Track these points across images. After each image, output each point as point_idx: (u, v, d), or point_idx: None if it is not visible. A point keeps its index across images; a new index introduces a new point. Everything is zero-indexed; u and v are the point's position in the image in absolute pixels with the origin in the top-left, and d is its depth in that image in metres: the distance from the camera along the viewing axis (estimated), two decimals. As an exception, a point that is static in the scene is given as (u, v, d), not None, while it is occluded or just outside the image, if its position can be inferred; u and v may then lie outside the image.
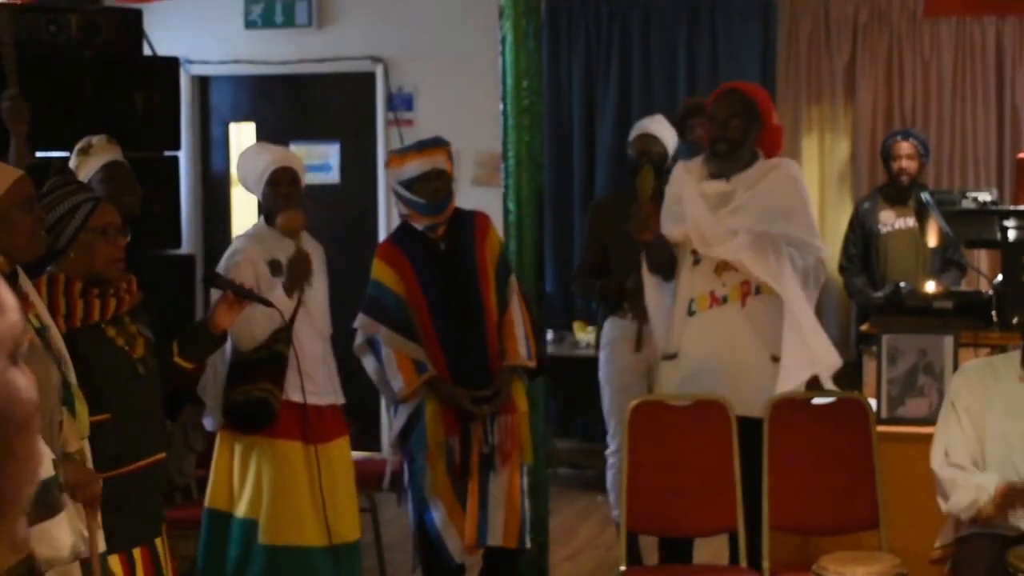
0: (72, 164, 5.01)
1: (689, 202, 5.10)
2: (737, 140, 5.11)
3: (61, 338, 3.39)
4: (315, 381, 5.04)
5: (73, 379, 3.36)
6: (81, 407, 3.36)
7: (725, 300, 5.07)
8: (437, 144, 5.31)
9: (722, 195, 5.11)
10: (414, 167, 5.17)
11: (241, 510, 5.02)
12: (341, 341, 5.47)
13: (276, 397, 4.91)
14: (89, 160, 4.99)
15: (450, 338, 5.19)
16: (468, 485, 5.15)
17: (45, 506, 2.94)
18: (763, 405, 4.94)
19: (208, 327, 4.18)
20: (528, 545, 5.27)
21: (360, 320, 5.22)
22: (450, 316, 5.20)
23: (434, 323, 5.18)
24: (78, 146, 5.04)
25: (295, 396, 4.97)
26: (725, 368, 5.04)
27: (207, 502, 5.10)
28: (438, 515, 5.16)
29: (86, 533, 3.19)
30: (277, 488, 4.95)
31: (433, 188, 5.17)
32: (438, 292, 5.20)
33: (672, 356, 5.15)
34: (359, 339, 5.25)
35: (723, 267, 5.07)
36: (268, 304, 4.54)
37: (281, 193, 5.05)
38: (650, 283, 5.24)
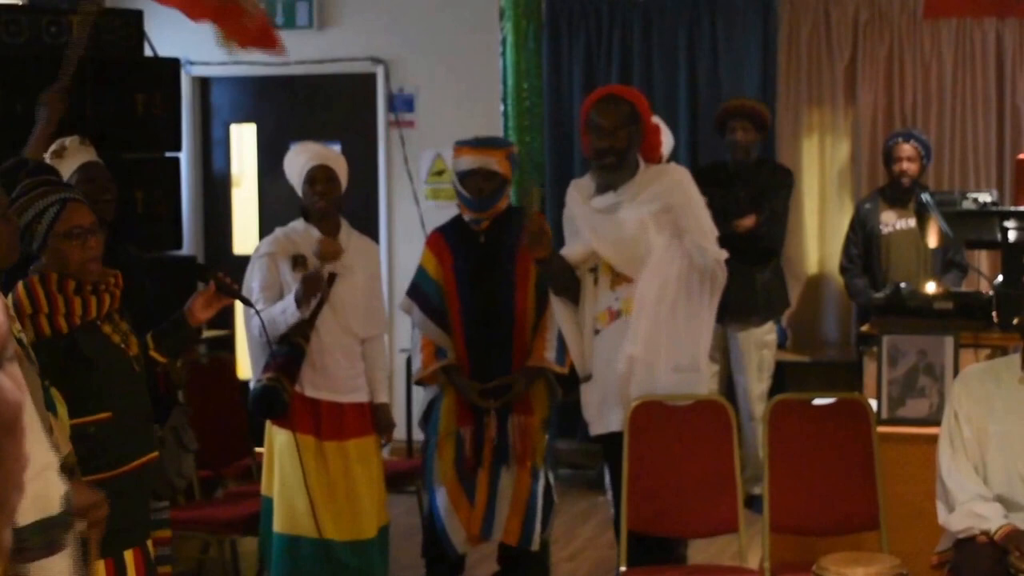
0: None
1: (583, 220, 5.07)
2: (624, 149, 5.04)
3: (24, 341, 3.36)
4: (334, 378, 5.05)
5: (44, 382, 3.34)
6: (61, 409, 3.34)
7: (620, 314, 5.02)
8: (494, 144, 5.45)
9: (610, 207, 5.05)
10: (466, 162, 5.33)
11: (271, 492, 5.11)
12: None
13: (285, 388, 4.93)
14: (64, 162, 4.94)
15: (474, 330, 5.31)
16: (478, 477, 5.24)
17: (48, 544, 2.92)
18: None
19: (186, 321, 4.09)
20: (535, 547, 5.28)
21: (403, 301, 5.49)
22: (477, 309, 5.31)
23: (461, 314, 5.32)
24: (51, 148, 4.98)
25: (311, 392, 5.00)
26: (643, 378, 4.98)
27: (263, 491, 5.17)
28: (442, 503, 5.28)
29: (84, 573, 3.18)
30: (286, 478, 5.00)
31: (479, 186, 5.30)
32: (469, 284, 5.32)
33: (587, 378, 5.10)
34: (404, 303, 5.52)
35: (617, 281, 5.03)
36: (248, 303, 4.52)
37: (316, 191, 5.10)
38: (558, 306, 5.14)
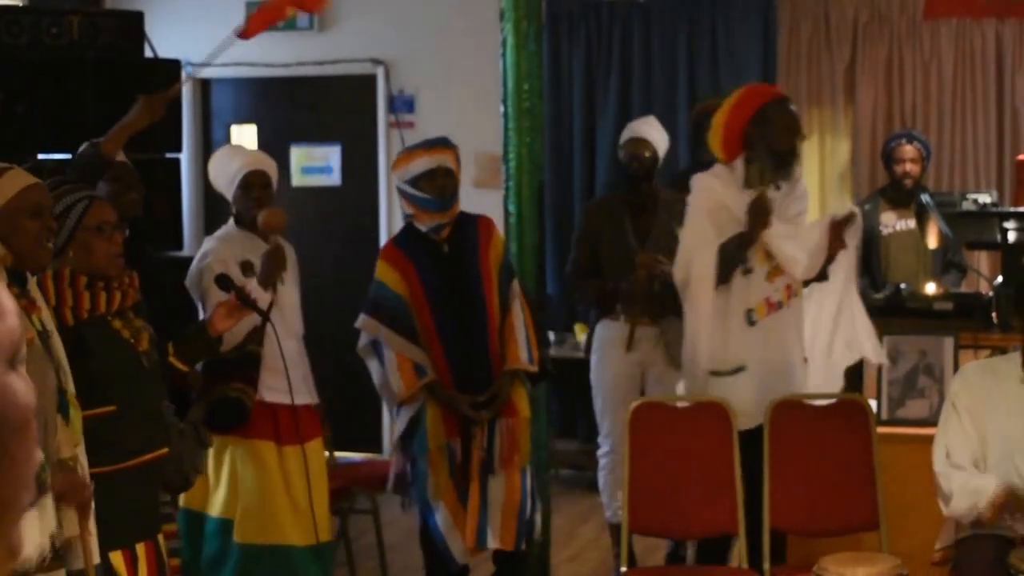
0: None
1: (741, 212, 5.09)
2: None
3: (61, 345, 3.39)
4: (291, 381, 5.03)
5: (70, 386, 3.35)
6: (75, 413, 3.35)
7: (780, 305, 5.11)
8: (445, 144, 5.36)
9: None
10: (421, 164, 5.21)
11: (216, 509, 5.04)
12: (341, 342, 5.48)
13: (250, 397, 4.91)
14: None
15: (453, 341, 5.19)
16: (470, 487, 5.16)
17: None
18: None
19: (206, 330, 4.18)
20: (523, 547, 5.26)
21: (361, 320, 5.23)
22: (453, 319, 5.20)
23: (437, 326, 5.19)
24: (82, 149, 5.04)
25: (270, 396, 4.98)
26: (790, 370, 5.12)
27: (181, 502, 5.07)
28: (441, 518, 5.18)
29: (59, 536, 3.18)
30: (252, 488, 4.97)
31: (440, 185, 5.19)
32: (441, 295, 5.20)
33: (735, 370, 5.09)
34: (363, 341, 5.27)
35: (774, 273, 5.08)
36: (265, 316, 4.52)
37: (253, 196, 5.06)
38: (708, 296, 5.08)
